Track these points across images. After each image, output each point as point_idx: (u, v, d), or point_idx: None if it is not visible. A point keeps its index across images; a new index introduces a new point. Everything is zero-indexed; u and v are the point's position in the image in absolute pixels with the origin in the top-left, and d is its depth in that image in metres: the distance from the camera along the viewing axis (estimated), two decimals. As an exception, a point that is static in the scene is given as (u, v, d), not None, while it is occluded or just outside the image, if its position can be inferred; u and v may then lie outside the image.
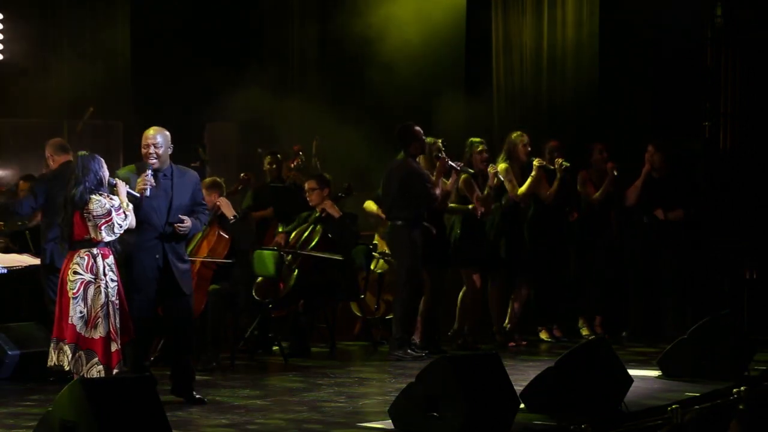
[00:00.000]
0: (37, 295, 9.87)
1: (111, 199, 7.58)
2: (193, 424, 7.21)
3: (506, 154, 11.05)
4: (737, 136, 12.44)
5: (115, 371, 7.49)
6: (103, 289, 7.54)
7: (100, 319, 7.51)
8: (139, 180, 7.83)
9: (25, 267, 9.55)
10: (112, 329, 7.52)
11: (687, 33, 12.50)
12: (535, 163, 10.92)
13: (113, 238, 7.59)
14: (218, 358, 9.69)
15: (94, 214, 7.54)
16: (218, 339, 9.80)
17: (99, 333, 7.51)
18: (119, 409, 5.81)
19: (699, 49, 12.49)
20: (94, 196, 7.54)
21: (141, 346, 7.94)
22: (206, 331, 9.61)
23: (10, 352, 8.90)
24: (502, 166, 10.92)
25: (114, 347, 7.53)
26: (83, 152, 7.80)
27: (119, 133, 13.51)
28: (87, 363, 7.52)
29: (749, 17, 12.29)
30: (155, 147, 7.91)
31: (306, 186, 10.89)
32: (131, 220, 7.63)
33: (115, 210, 7.55)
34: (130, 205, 7.67)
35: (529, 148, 11.05)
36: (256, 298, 10.40)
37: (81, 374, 7.48)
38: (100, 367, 7.49)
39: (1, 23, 13.23)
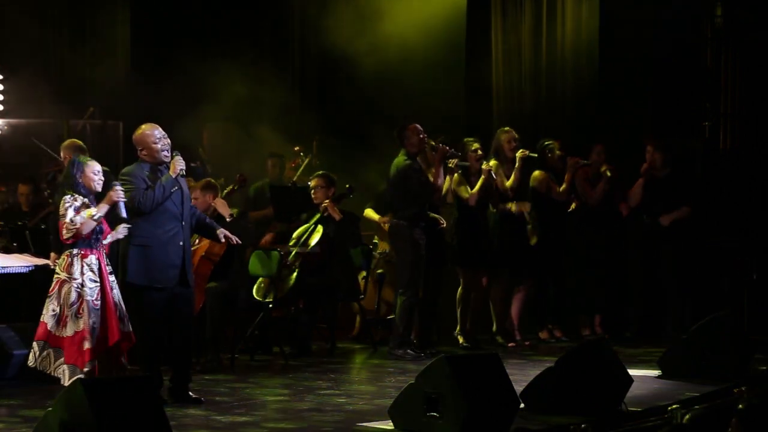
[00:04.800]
0: (37, 295, 9.87)
1: (75, 200, 7.60)
2: (193, 425, 7.20)
3: (493, 153, 11.06)
4: (737, 136, 12.45)
5: (85, 369, 7.46)
6: (75, 289, 7.53)
7: (68, 318, 7.51)
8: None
9: (25, 267, 9.55)
10: (85, 328, 7.50)
11: (687, 33, 12.50)
12: (518, 154, 10.92)
13: (70, 234, 7.56)
14: (218, 358, 9.69)
15: (60, 214, 7.63)
16: (218, 339, 9.80)
17: (67, 332, 7.51)
18: (119, 409, 5.81)
19: (699, 49, 12.49)
20: (62, 198, 7.59)
21: (156, 347, 7.93)
22: (206, 331, 9.62)
23: (16, 352, 8.92)
24: (491, 163, 10.92)
25: (86, 346, 7.50)
26: (81, 157, 7.85)
27: (119, 133, 13.50)
28: (55, 361, 7.53)
29: (749, 17, 12.30)
30: (168, 140, 7.96)
31: (312, 183, 10.89)
32: (83, 222, 7.56)
33: (75, 210, 7.57)
34: (98, 214, 7.63)
35: (515, 144, 11.03)
36: (256, 298, 10.41)
37: (48, 372, 7.50)
38: (65, 366, 7.48)
39: (1, 24, 13.24)
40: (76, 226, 7.56)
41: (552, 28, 12.89)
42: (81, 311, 7.52)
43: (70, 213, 7.58)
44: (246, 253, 10.39)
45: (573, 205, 11.54)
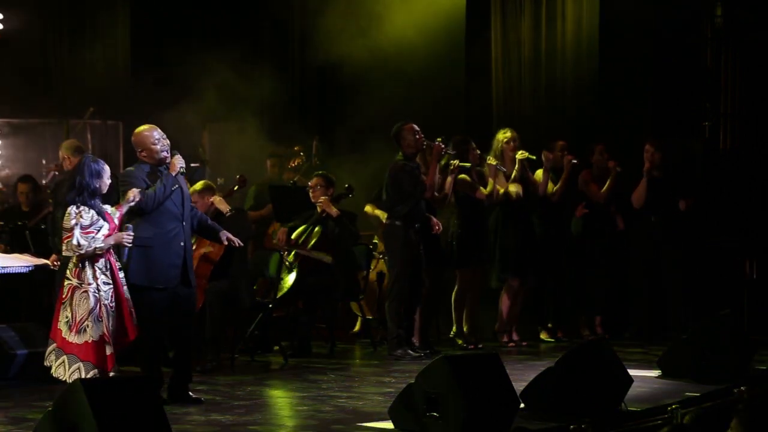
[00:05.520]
0: (37, 295, 9.88)
1: (81, 216, 7.48)
2: (193, 424, 7.20)
3: (493, 154, 11.06)
4: (737, 136, 12.45)
5: (111, 374, 7.45)
6: (92, 294, 7.48)
7: (88, 324, 7.46)
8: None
9: (25, 267, 9.56)
10: (105, 332, 7.49)
11: (687, 33, 12.50)
12: (518, 156, 10.91)
13: (71, 254, 7.50)
14: (218, 358, 9.70)
15: (63, 225, 7.56)
16: (218, 338, 9.81)
17: (87, 338, 7.44)
18: (119, 409, 5.81)
19: (699, 49, 12.49)
20: (69, 208, 7.53)
21: (156, 347, 7.92)
22: (206, 331, 9.62)
23: (18, 352, 8.93)
24: (491, 161, 10.94)
25: (108, 350, 7.48)
26: (90, 155, 7.81)
27: (119, 133, 13.51)
28: (69, 368, 7.49)
29: (749, 17, 12.30)
30: (167, 141, 7.96)
31: (311, 182, 10.89)
32: (98, 244, 7.49)
33: (82, 228, 7.49)
34: (104, 246, 7.52)
35: (513, 143, 11.01)
36: (257, 298, 10.41)
37: (63, 380, 7.46)
38: (93, 371, 7.45)
39: (2, 23, 13.24)
40: (81, 252, 7.51)
41: (552, 28, 12.89)
42: (101, 316, 7.50)
43: (77, 233, 7.47)
44: (248, 249, 10.36)
45: (580, 211, 11.51)
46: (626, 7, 12.52)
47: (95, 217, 7.55)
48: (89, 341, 7.46)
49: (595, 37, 12.67)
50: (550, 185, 11.25)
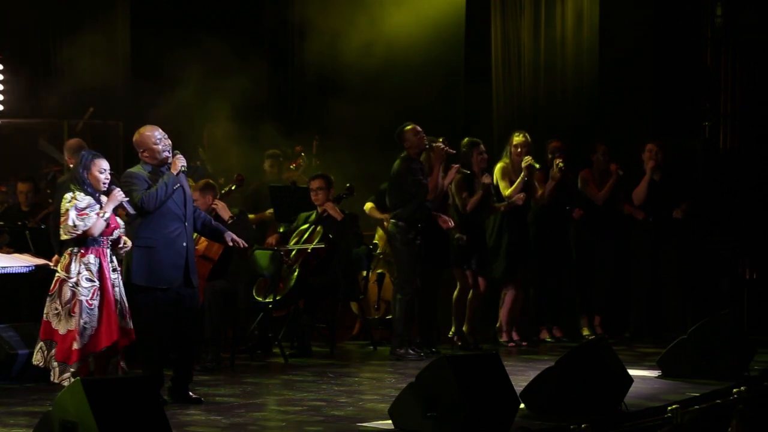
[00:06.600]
0: (37, 295, 9.86)
1: (77, 198, 7.51)
2: (193, 424, 7.20)
3: (505, 154, 11.10)
4: (737, 136, 12.45)
5: (71, 370, 7.44)
6: (69, 288, 7.51)
7: (62, 316, 7.49)
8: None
9: (25, 267, 9.56)
10: (76, 327, 7.46)
11: (687, 33, 12.51)
12: (523, 163, 10.92)
13: (68, 236, 7.52)
14: (218, 358, 9.69)
15: (60, 211, 7.61)
16: (218, 338, 9.80)
17: (60, 330, 7.49)
18: (119, 409, 5.81)
19: (699, 49, 12.49)
20: (65, 194, 7.57)
21: (159, 348, 7.91)
22: (205, 330, 9.61)
23: (19, 352, 8.93)
24: (497, 165, 10.98)
25: (75, 346, 7.46)
26: (90, 153, 7.81)
27: (119, 133, 13.50)
28: (48, 354, 7.53)
29: (749, 17, 12.30)
30: (168, 141, 7.95)
31: (312, 185, 10.88)
32: (89, 225, 7.49)
33: (77, 210, 7.50)
34: (107, 213, 7.57)
35: (520, 149, 11.02)
36: (256, 297, 10.42)
37: (48, 368, 7.52)
38: (55, 363, 7.47)
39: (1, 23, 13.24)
40: (78, 231, 7.51)
41: (552, 28, 12.89)
42: (74, 310, 7.50)
43: (72, 215, 7.51)
44: (249, 251, 10.37)
45: (578, 213, 11.52)
46: (626, 8, 12.52)
47: (92, 200, 7.57)
48: (60, 333, 7.48)
49: (595, 37, 12.66)
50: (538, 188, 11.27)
